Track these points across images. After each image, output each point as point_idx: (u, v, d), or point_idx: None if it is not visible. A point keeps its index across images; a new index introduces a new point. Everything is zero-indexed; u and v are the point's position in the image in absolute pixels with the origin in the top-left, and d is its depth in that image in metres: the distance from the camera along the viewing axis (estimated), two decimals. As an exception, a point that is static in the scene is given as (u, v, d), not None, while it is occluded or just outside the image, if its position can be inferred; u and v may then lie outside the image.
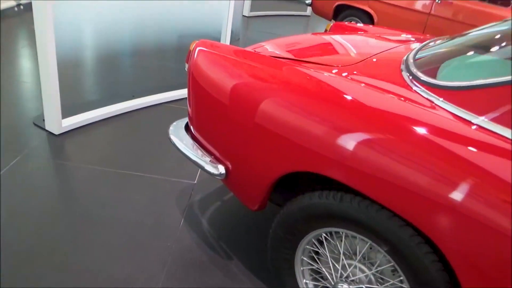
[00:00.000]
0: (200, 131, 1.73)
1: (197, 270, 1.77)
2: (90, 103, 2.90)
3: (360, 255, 1.30)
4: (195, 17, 3.30)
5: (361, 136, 1.14)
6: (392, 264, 1.22)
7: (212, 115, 1.59)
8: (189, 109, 1.77)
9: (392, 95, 1.23)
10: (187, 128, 1.85)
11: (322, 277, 1.47)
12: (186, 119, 1.94)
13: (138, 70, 3.14)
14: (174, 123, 1.89)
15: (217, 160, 1.64)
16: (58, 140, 2.55)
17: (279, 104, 1.32)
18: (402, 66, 1.41)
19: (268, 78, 1.41)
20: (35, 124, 2.68)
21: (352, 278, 1.32)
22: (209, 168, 1.60)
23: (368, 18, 5.06)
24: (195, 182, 2.36)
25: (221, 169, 1.59)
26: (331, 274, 1.38)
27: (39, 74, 2.45)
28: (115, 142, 2.63)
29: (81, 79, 2.80)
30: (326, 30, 2.59)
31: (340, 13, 5.39)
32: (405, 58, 1.48)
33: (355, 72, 1.42)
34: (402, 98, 1.21)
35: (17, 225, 1.85)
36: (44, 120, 2.65)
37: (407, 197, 1.07)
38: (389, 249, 1.18)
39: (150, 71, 3.23)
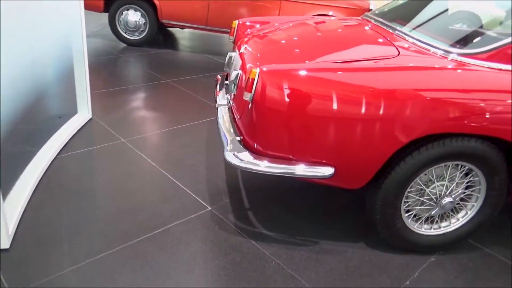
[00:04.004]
0: (280, 150, 1.85)
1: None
2: None
3: (458, 178, 1.92)
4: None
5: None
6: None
7: (310, 132, 1.80)
8: (262, 134, 1.84)
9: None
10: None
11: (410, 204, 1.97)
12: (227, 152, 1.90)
13: None
14: (232, 161, 1.85)
15: (315, 164, 1.83)
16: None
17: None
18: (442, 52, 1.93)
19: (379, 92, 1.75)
20: None
21: (451, 193, 1.96)
22: (321, 174, 1.81)
23: (150, 6, 5.03)
24: (209, 208, 2.30)
25: (330, 170, 1.81)
26: (434, 194, 1.94)
27: None
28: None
29: None
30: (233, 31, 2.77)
31: (112, 4, 5.08)
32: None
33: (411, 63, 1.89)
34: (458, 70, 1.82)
35: None
36: None
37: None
38: (484, 166, 1.87)
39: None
